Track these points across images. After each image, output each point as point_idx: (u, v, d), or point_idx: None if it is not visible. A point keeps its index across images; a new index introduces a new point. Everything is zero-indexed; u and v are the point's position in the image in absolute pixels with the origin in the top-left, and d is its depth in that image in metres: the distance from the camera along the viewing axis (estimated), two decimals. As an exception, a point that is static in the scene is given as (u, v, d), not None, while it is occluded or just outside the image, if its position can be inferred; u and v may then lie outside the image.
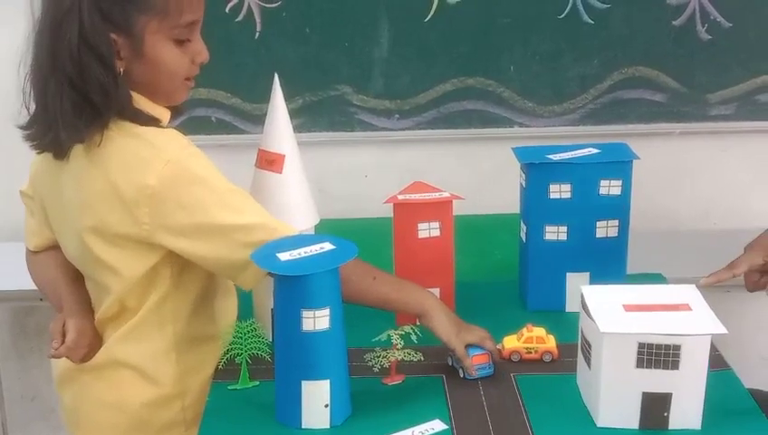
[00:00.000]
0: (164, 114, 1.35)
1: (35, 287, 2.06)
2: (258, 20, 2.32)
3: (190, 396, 1.41)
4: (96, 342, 1.41)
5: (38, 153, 1.36)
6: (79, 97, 1.25)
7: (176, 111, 1.41)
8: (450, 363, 1.39)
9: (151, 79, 1.31)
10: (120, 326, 1.39)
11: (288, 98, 1.47)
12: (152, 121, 1.31)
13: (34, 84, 1.30)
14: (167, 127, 1.34)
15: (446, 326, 1.37)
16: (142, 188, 1.26)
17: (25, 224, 1.54)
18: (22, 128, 1.34)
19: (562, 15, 2.34)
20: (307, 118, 2.33)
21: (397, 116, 2.41)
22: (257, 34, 2.33)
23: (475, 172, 2.39)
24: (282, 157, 1.41)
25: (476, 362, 1.37)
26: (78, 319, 1.40)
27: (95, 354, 1.40)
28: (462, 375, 1.37)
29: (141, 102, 1.32)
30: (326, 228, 1.48)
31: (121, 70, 1.27)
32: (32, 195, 1.49)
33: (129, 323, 1.38)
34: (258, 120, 2.36)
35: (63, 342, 1.37)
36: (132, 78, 1.29)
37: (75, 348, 1.37)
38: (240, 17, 2.31)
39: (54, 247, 1.49)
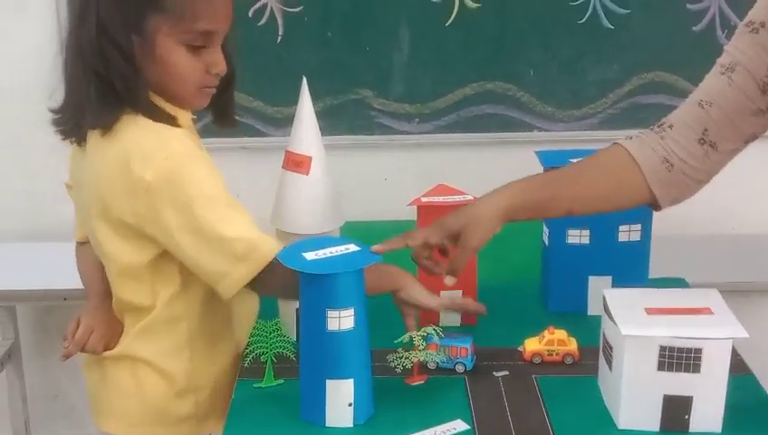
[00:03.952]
0: (182, 116, 1.36)
1: (57, 287, 2.10)
2: (280, 24, 2.34)
3: (203, 392, 1.44)
4: (115, 331, 1.44)
5: (62, 139, 1.38)
6: (103, 85, 1.28)
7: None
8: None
9: (162, 80, 1.32)
10: (138, 319, 1.42)
11: (309, 101, 1.48)
12: (166, 118, 1.32)
13: (64, 72, 1.33)
14: (179, 127, 1.35)
15: (424, 293, 1.38)
16: (139, 180, 1.28)
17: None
18: (53, 111, 1.37)
19: (582, 20, 2.34)
20: (327, 121, 2.33)
21: (417, 120, 2.42)
22: (279, 38, 2.34)
23: (494, 176, 2.36)
24: (309, 158, 1.42)
25: (456, 355, 1.40)
26: (89, 316, 1.45)
27: (116, 342, 1.44)
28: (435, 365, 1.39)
29: (157, 102, 1.33)
30: (349, 230, 1.49)
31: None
32: (72, 185, 1.52)
33: (145, 321, 1.41)
34: (280, 123, 2.38)
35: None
36: (147, 77, 1.31)
37: (85, 343, 1.42)
38: (263, 21, 2.33)
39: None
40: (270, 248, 1.30)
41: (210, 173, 1.31)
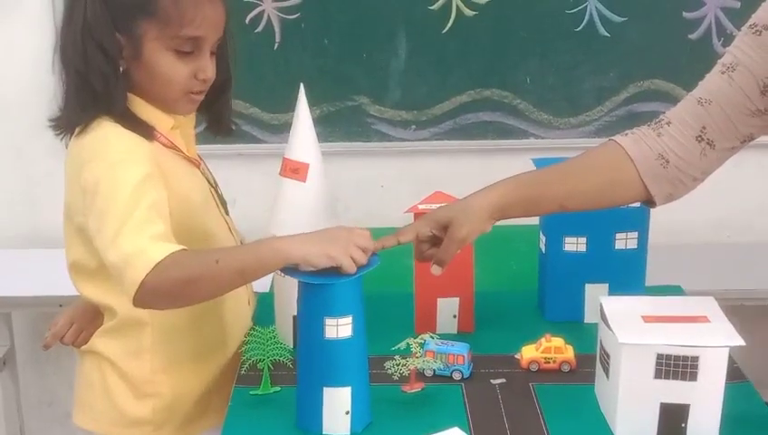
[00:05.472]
0: (163, 121, 1.36)
1: (53, 294, 2.10)
2: (277, 31, 2.34)
3: (162, 399, 1.43)
4: (97, 326, 1.45)
5: (56, 134, 1.38)
6: (81, 83, 1.29)
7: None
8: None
9: (147, 84, 1.33)
10: (109, 318, 1.43)
11: (306, 108, 1.49)
12: (139, 125, 1.32)
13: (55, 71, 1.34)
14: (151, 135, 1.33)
15: (320, 257, 1.22)
16: (84, 181, 1.28)
17: None
18: (60, 108, 1.38)
19: (579, 28, 2.36)
20: (324, 128, 2.35)
21: (413, 127, 2.43)
22: (276, 45, 2.35)
23: (490, 184, 2.40)
24: (306, 166, 1.42)
25: (453, 363, 1.39)
26: (73, 309, 1.49)
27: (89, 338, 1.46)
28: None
29: (138, 105, 1.34)
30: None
31: (122, 69, 1.30)
32: None
33: (113, 321, 1.42)
34: (276, 129, 2.39)
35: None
36: (132, 79, 1.32)
37: (62, 336, 1.47)
38: (260, 28, 2.34)
39: None
40: (144, 262, 1.20)
41: (125, 185, 1.24)
